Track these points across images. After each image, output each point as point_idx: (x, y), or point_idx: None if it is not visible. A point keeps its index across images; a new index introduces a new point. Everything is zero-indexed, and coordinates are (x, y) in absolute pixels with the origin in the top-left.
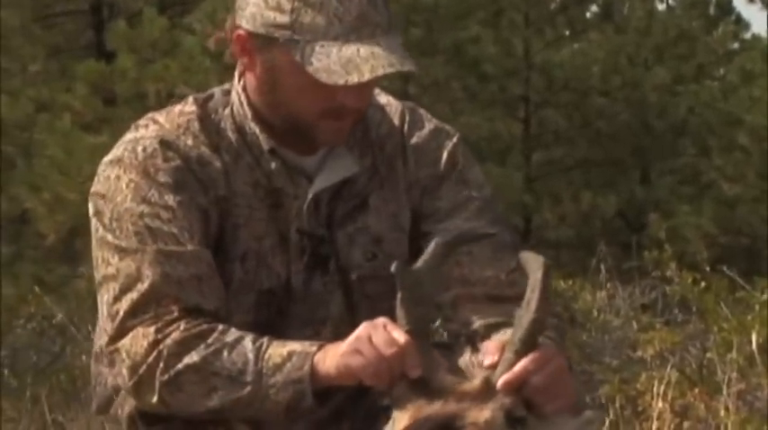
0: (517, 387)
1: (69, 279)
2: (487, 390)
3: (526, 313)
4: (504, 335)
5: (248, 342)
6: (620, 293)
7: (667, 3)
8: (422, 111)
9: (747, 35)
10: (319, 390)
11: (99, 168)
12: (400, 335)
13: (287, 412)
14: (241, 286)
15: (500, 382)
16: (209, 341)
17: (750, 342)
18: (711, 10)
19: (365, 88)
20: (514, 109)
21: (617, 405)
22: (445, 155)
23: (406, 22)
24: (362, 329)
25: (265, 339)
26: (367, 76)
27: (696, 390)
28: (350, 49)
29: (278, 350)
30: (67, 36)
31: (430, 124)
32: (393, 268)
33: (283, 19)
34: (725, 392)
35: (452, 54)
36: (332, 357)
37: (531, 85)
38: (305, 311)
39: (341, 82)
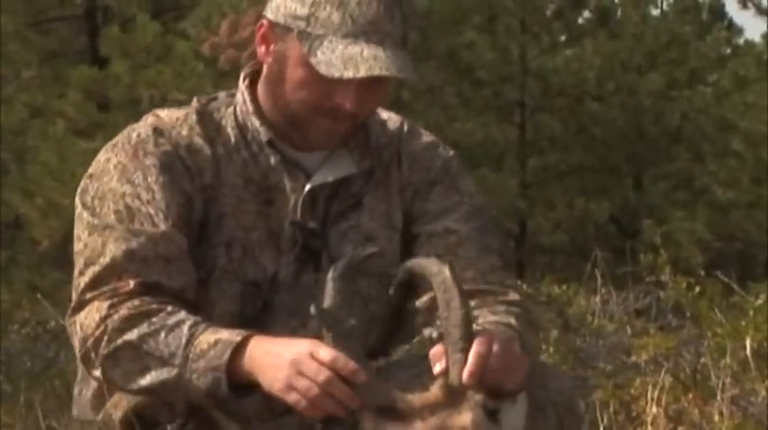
0: (481, 376)
1: (63, 284)
2: (452, 394)
3: (452, 312)
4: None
5: (186, 326)
6: (613, 298)
7: (661, 8)
8: (422, 128)
9: (740, 41)
10: (239, 382)
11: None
12: (326, 354)
13: (207, 399)
14: (225, 274)
15: (465, 377)
16: (153, 320)
17: (744, 347)
18: (704, 15)
19: (364, 92)
20: (510, 114)
21: (611, 410)
22: (439, 163)
23: None
24: (289, 366)
25: (204, 324)
26: (362, 74)
27: (690, 395)
28: (355, 48)
29: (208, 337)
30: (61, 41)
31: (428, 137)
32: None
33: (303, 11)
34: (719, 397)
35: (447, 59)
36: (263, 376)
37: (526, 91)
38: (292, 302)
39: (336, 75)
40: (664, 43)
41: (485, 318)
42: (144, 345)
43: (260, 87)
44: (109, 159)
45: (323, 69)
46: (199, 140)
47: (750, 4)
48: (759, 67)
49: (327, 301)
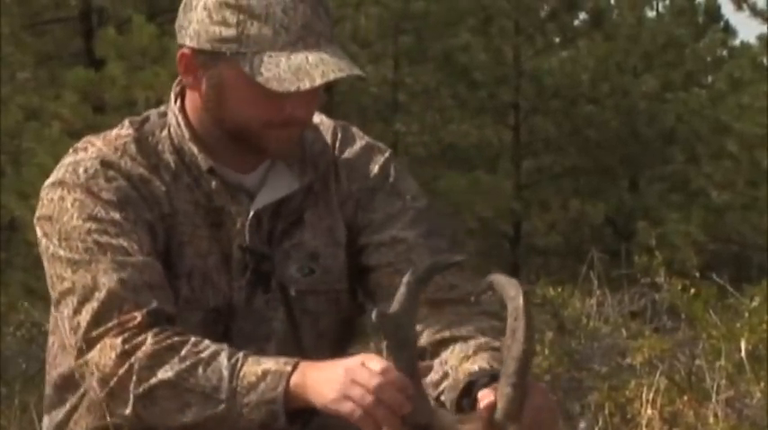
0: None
1: None
2: (492, 428)
3: (515, 343)
4: (468, 360)
5: (224, 358)
6: (609, 300)
7: (657, 10)
8: (354, 129)
9: (736, 42)
10: (292, 409)
11: (41, 193)
12: (377, 364)
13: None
14: (187, 304)
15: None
16: (183, 354)
17: (739, 349)
18: (700, 17)
19: (311, 98)
20: (504, 116)
21: (606, 412)
22: (376, 168)
23: (396, 30)
24: (344, 374)
25: (241, 355)
26: (318, 81)
27: (685, 397)
28: (298, 58)
29: (253, 368)
30: (57, 43)
31: (361, 141)
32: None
33: (229, 32)
34: (714, 399)
35: (442, 61)
36: (316, 392)
37: (520, 93)
38: (248, 328)
39: (293, 89)
40: (659, 45)
41: (462, 325)
42: (183, 382)
43: (193, 114)
44: (63, 198)
45: (275, 86)
46: (145, 172)
47: (745, 6)
48: (754, 68)
49: (395, 306)
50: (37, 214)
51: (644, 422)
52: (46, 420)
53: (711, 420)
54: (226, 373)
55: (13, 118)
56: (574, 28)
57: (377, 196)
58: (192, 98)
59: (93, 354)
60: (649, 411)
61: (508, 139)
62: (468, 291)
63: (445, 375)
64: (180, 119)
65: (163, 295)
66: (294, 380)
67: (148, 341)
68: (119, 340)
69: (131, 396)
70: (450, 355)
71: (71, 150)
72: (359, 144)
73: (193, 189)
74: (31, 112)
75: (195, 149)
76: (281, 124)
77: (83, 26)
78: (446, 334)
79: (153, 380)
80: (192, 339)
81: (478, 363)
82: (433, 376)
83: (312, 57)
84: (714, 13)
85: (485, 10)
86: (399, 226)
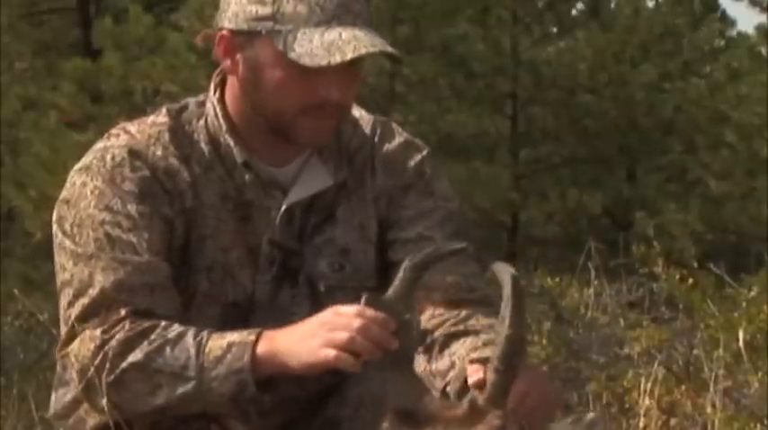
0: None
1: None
2: (474, 414)
3: (502, 329)
4: (476, 351)
5: (189, 337)
6: (606, 290)
7: (655, 0)
8: (394, 124)
9: (733, 32)
10: (263, 379)
11: (69, 176)
12: (350, 308)
13: (230, 404)
14: (206, 298)
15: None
16: (152, 337)
17: (737, 339)
18: (697, 7)
19: (347, 80)
20: (502, 106)
21: (604, 402)
22: (412, 165)
23: (393, 20)
24: (320, 328)
25: (205, 332)
26: (350, 56)
27: (683, 388)
28: (332, 34)
29: (217, 342)
30: (54, 33)
31: (400, 137)
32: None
33: (265, 11)
34: (712, 389)
35: (440, 51)
36: (291, 354)
37: (518, 83)
38: (268, 323)
39: (324, 63)
40: (657, 35)
41: (478, 320)
42: (152, 364)
43: (231, 100)
44: (85, 184)
45: (306, 61)
46: (175, 162)
47: None
48: (752, 58)
49: (389, 292)
50: (60, 196)
51: (642, 412)
52: (53, 397)
53: (709, 410)
54: (192, 351)
55: (10, 108)
56: (571, 18)
57: (409, 193)
58: (231, 85)
59: (73, 346)
60: (647, 401)
61: (506, 129)
62: (486, 294)
63: (452, 365)
64: (218, 109)
65: (162, 296)
66: (261, 347)
67: (123, 329)
68: (98, 331)
69: (104, 384)
70: (461, 347)
71: (105, 135)
72: (397, 140)
73: (225, 181)
74: (28, 102)
75: (231, 142)
76: (315, 108)
77: (80, 16)
78: (460, 327)
79: (123, 365)
80: (163, 323)
81: (486, 353)
82: (439, 365)
83: (346, 33)
84: (712, 3)
85: (482, 0)
86: (427, 224)
